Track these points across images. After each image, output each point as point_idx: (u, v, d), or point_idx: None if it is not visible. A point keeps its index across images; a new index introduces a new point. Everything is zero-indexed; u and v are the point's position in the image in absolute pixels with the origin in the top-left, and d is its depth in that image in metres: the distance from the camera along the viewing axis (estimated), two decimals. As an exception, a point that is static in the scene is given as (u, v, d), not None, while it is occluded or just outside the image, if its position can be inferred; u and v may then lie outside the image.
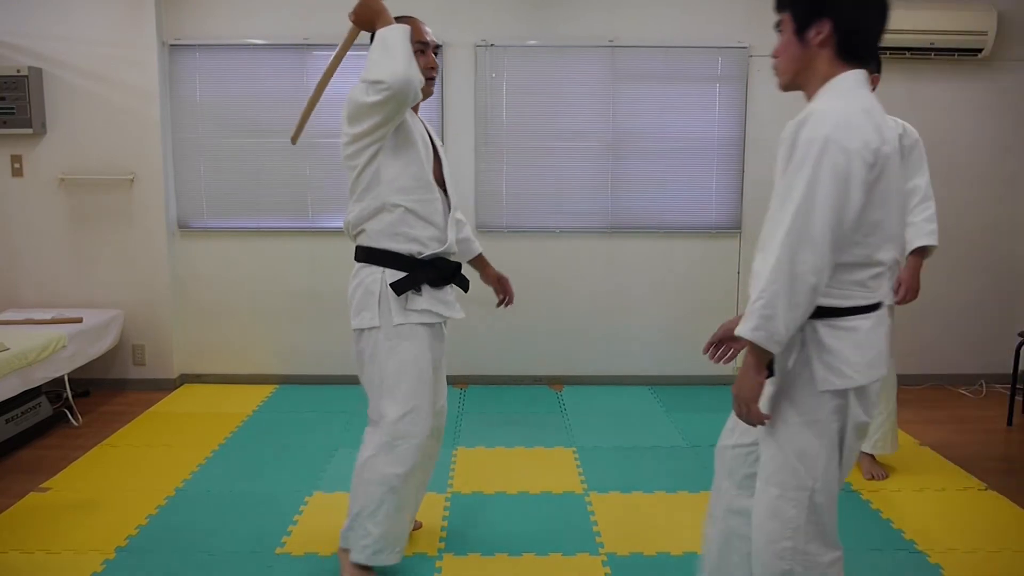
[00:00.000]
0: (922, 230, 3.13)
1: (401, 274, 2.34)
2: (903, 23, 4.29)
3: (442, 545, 2.76)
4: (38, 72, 4.33)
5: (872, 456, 3.39)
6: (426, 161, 2.38)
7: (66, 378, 3.98)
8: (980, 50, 4.38)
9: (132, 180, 4.46)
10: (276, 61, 4.51)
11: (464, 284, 2.53)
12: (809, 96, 1.71)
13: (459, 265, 2.51)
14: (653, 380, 4.72)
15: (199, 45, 4.48)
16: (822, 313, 1.65)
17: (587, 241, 4.66)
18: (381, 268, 2.35)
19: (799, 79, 1.72)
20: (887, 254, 1.68)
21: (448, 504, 3.07)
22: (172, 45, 4.47)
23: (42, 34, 4.34)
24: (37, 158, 4.44)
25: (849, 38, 1.65)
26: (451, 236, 2.44)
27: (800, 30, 1.68)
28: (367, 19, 2.26)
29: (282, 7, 4.46)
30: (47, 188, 4.46)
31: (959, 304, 4.66)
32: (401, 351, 2.35)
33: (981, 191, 4.59)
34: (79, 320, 4.12)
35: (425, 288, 2.37)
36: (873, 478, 3.34)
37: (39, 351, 3.67)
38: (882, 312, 1.73)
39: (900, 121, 3.17)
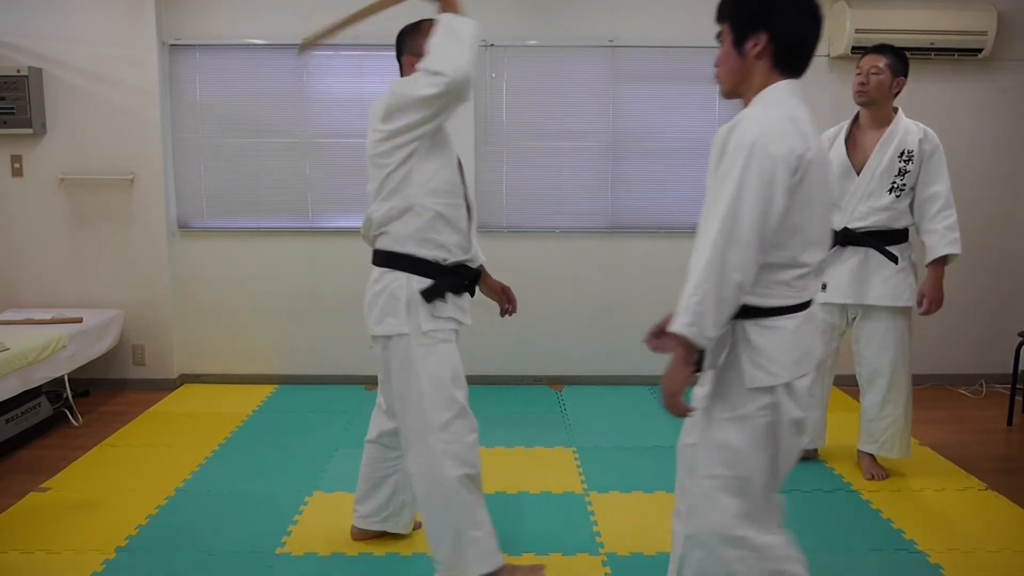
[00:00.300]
0: (944, 238, 3.11)
1: (428, 280, 2.28)
2: (903, 23, 4.29)
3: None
4: (38, 72, 4.33)
5: (872, 456, 3.38)
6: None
7: (66, 378, 3.97)
8: (980, 50, 4.38)
9: (132, 180, 4.46)
10: (276, 61, 4.51)
11: (473, 289, 2.51)
12: (746, 104, 1.77)
13: (479, 273, 2.47)
14: (653, 380, 4.68)
15: (199, 45, 4.48)
16: (750, 313, 1.72)
17: (587, 241, 4.66)
18: (406, 274, 2.28)
19: (738, 89, 1.79)
20: (812, 256, 1.74)
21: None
22: (172, 45, 4.47)
23: (42, 34, 4.34)
24: (37, 158, 4.44)
25: (785, 50, 1.72)
26: (475, 243, 2.43)
27: (738, 42, 1.74)
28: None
29: (282, 7, 4.46)
30: (47, 188, 4.46)
31: (959, 304, 4.66)
32: (436, 357, 2.29)
33: (981, 191, 4.59)
34: (79, 320, 4.12)
35: (448, 295, 2.32)
36: (873, 478, 3.33)
37: (39, 351, 3.67)
38: (810, 311, 1.79)
39: (921, 125, 3.16)
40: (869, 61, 3.13)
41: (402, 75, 2.42)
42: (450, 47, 2.12)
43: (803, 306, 1.76)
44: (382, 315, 2.31)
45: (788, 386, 1.74)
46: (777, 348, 1.72)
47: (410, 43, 2.38)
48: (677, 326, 1.67)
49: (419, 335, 2.27)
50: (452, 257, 2.32)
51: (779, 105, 1.70)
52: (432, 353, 2.29)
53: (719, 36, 1.80)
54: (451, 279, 2.32)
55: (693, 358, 1.71)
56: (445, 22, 2.14)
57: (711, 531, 1.78)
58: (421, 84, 2.13)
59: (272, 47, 4.49)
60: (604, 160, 4.60)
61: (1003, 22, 4.42)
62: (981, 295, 4.69)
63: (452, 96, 2.14)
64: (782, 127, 1.65)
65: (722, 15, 1.79)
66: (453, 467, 2.30)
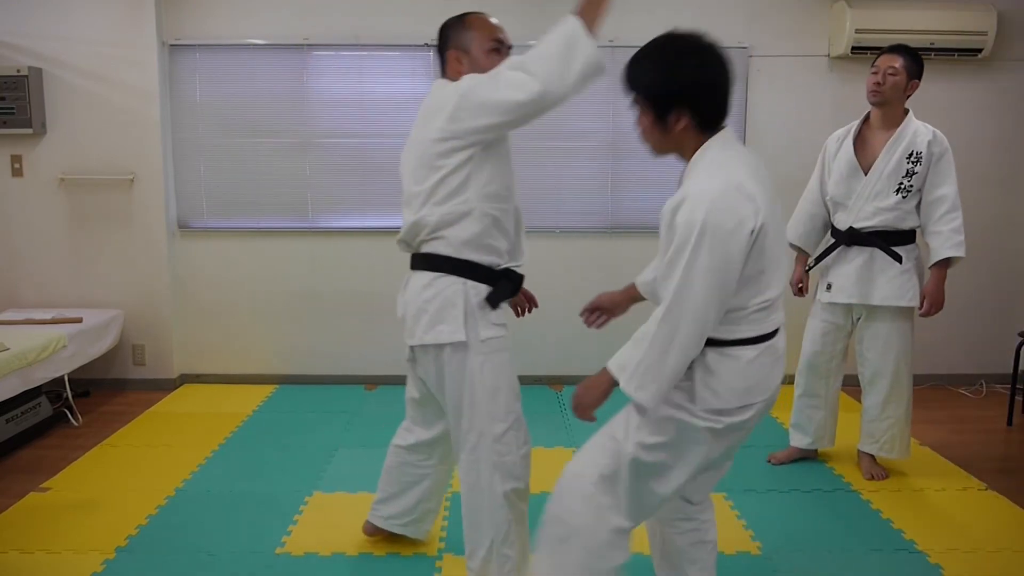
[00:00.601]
0: (949, 241, 3.09)
1: (485, 287, 2.19)
2: (903, 23, 4.29)
3: (442, 545, 2.76)
4: (38, 72, 4.33)
5: (872, 456, 3.38)
6: None
7: (66, 378, 3.98)
8: (980, 50, 4.38)
9: (132, 180, 4.46)
10: (276, 61, 4.51)
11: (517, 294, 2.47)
12: (686, 158, 1.80)
13: (523, 277, 2.40)
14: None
15: (199, 45, 4.48)
16: (710, 343, 1.76)
17: (587, 241, 4.66)
18: (462, 279, 2.17)
19: (670, 151, 1.83)
20: (773, 291, 1.78)
21: (448, 504, 3.06)
22: (172, 45, 4.47)
23: (42, 34, 4.34)
24: (37, 158, 4.44)
25: (708, 115, 1.76)
26: (525, 247, 2.41)
27: (659, 119, 1.77)
28: (591, 9, 1.99)
29: (282, 7, 4.46)
30: (47, 188, 4.46)
31: (959, 304, 4.65)
32: (493, 366, 2.21)
33: (981, 191, 4.59)
34: (79, 320, 4.12)
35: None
36: (873, 478, 3.34)
37: (39, 351, 3.67)
38: (771, 343, 1.81)
39: (930, 127, 3.15)
40: (886, 61, 3.11)
41: (444, 70, 2.30)
42: (561, 58, 1.94)
43: (763, 338, 1.79)
44: (433, 322, 2.18)
45: (731, 423, 1.79)
46: (731, 375, 1.76)
47: (454, 37, 2.26)
48: (627, 388, 1.74)
49: (477, 343, 2.18)
50: (503, 262, 2.25)
51: (721, 168, 1.71)
52: (489, 362, 2.20)
53: (634, 103, 1.81)
54: (507, 284, 2.24)
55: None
56: (570, 30, 1.95)
57: (577, 477, 1.90)
58: (511, 86, 1.97)
59: (272, 47, 4.49)
60: (604, 160, 4.60)
61: (1003, 22, 4.42)
62: (981, 295, 4.69)
63: (539, 108, 2.01)
64: (728, 199, 1.66)
65: (633, 87, 1.80)
66: (501, 482, 2.25)
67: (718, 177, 1.69)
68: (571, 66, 1.95)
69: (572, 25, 1.95)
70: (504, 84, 1.99)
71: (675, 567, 2.11)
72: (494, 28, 2.24)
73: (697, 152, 1.76)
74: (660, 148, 1.82)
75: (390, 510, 2.69)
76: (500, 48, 2.23)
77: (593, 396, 1.81)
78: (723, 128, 1.79)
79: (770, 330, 1.80)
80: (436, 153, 2.13)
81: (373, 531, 2.77)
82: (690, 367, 1.77)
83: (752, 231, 1.66)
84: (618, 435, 1.84)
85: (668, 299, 1.68)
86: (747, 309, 1.75)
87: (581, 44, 1.95)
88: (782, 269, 1.81)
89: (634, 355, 1.74)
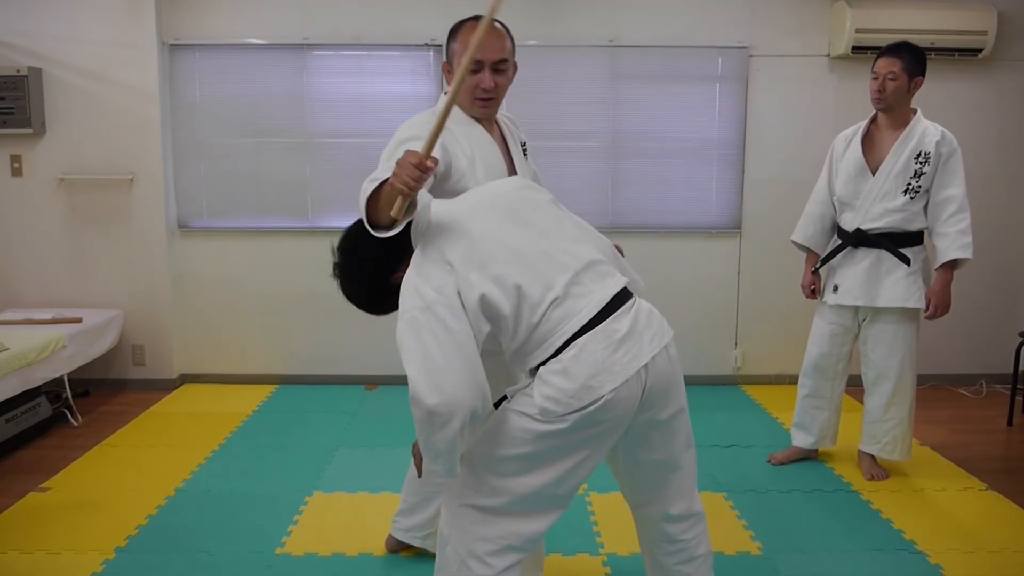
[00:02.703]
0: (956, 242, 3.07)
1: None
2: (903, 23, 4.29)
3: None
4: (38, 72, 4.33)
5: (872, 457, 3.37)
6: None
7: (66, 378, 3.97)
8: (980, 50, 4.38)
9: (132, 180, 4.46)
10: (276, 61, 4.50)
11: None
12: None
13: None
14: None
15: (199, 45, 4.48)
16: (539, 366, 1.73)
17: (587, 241, 4.65)
18: None
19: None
20: (555, 290, 1.71)
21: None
22: (172, 45, 4.47)
23: (42, 34, 4.34)
24: (37, 158, 4.43)
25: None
26: None
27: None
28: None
29: (282, 7, 4.46)
30: (47, 188, 4.46)
31: (959, 304, 4.62)
32: (492, 366, 2.17)
33: (981, 191, 4.57)
34: (79, 320, 4.12)
35: None
36: (873, 478, 3.33)
37: (39, 351, 3.66)
38: (597, 331, 1.70)
39: (939, 128, 3.12)
40: (884, 66, 3.08)
41: (445, 81, 2.27)
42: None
43: (582, 331, 1.70)
44: None
45: (592, 410, 1.70)
46: (560, 379, 1.68)
47: (448, 46, 2.21)
48: (425, 463, 1.76)
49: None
50: None
51: (420, 249, 1.75)
52: (489, 363, 2.18)
53: None
54: None
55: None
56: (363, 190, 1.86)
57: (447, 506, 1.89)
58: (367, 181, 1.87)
59: (272, 47, 4.49)
60: (604, 160, 4.59)
61: (1003, 22, 4.42)
62: (981, 295, 4.68)
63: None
64: (424, 271, 1.70)
65: None
66: None
67: (414, 262, 1.74)
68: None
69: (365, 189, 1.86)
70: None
71: None
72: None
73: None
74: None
75: (409, 522, 2.63)
76: (478, 69, 2.12)
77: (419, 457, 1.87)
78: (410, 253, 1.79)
79: (586, 320, 1.70)
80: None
81: (396, 546, 2.70)
82: (532, 385, 1.73)
83: (456, 290, 1.67)
84: (475, 449, 1.80)
85: (411, 386, 1.64)
86: (541, 322, 1.70)
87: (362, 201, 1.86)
88: (552, 264, 1.74)
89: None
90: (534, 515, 1.78)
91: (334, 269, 1.94)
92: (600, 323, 1.71)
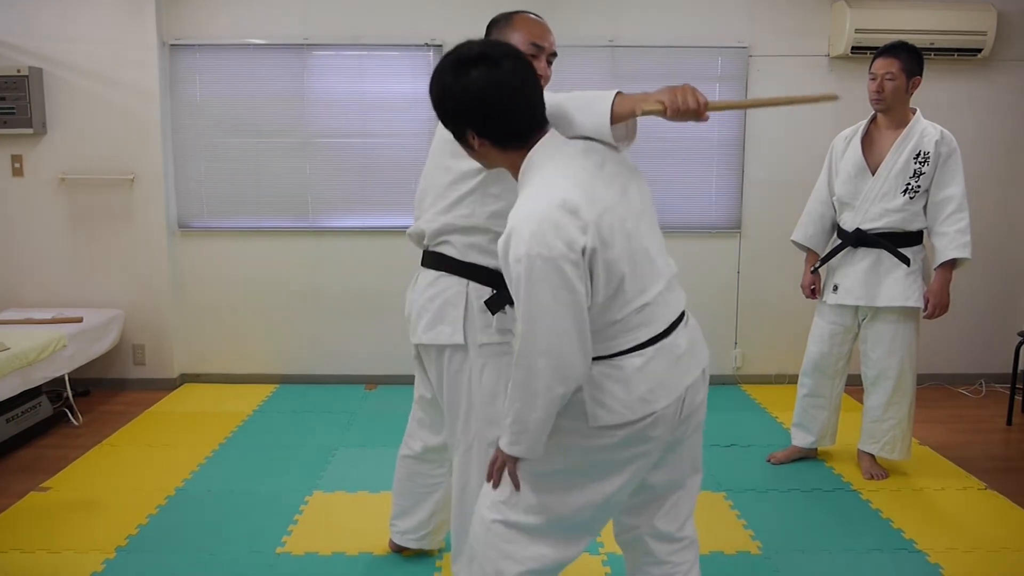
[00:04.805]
0: (955, 241, 3.06)
1: (488, 289, 2.13)
2: (903, 23, 4.29)
3: (442, 544, 2.76)
4: (38, 72, 4.33)
5: (872, 456, 3.38)
6: None
7: (66, 378, 3.98)
8: (980, 50, 4.38)
9: (132, 180, 4.46)
10: (276, 61, 4.50)
11: None
12: (514, 175, 1.69)
13: None
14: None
15: (199, 45, 4.48)
16: (595, 359, 1.64)
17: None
18: (465, 280, 2.13)
19: (497, 166, 1.72)
20: (648, 293, 1.65)
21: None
22: (172, 45, 4.47)
23: (42, 34, 4.34)
24: (37, 158, 4.44)
25: (499, 134, 1.63)
26: None
27: (460, 139, 1.68)
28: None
29: (282, 7, 4.46)
30: (47, 188, 4.46)
31: (959, 304, 4.63)
32: (491, 370, 2.15)
33: (980, 191, 4.58)
34: (79, 320, 4.13)
35: (507, 307, 2.15)
36: (873, 478, 3.33)
37: (39, 351, 3.67)
38: (663, 343, 1.67)
39: (938, 127, 3.12)
40: (882, 67, 3.07)
41: None
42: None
43: (651, 341, 1.65)
44: (434, 322, 2.15)
45: (643, 426, 1.65)
46: (619, 388, 1.63)
47: (497, 35, 2.14)
48: (504, 445, 1.66)
49: (475, 347, 2.13)
50: None
51: (542, 186, 1.58)
52: (490, 365, 2.14)
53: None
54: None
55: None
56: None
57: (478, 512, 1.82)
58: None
59: (272, 47, 4.49)
60: (604, 160, 4.59)
61: (1003, 22, 4.42)
62: (981, 295, 4.69)
63: None
64: (549, 224, 1.51)
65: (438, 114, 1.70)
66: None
67: (542, 192, 1.57)
68: (581, 108, 1.78)
69: (608, 93, 1.74)
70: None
71: None
72: (535, 31, 2.06)
73: (522, 169, 1.65)
74: (485, 165, 1.73)
75: (405, 525, 2.63)
76: (538, 54, 2.06)
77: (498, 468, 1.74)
78: (546, 133, 1.65)
79: (657, 332, 1.66)
80: (446, 183, 2.13)
81: (397, 548, 2.71)
82: (581, 390, 1.65)
83: (584, 249, 1.53)
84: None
85: (520, 342, 1.57)
86: (620, 321, 1.62)
87: (601, 105, 1.73)
88: (651, 267, 1.68)
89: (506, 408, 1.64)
90: (567, 540, 1.74)
91: (452, 59, 1.63)
92: (666, 337, 1.68)
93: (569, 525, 1.72)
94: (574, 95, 1.72)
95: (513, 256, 1.53)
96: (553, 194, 1.55)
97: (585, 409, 1.64)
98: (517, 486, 1.71)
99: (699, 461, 1.87)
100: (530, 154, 1.63)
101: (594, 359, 1.63)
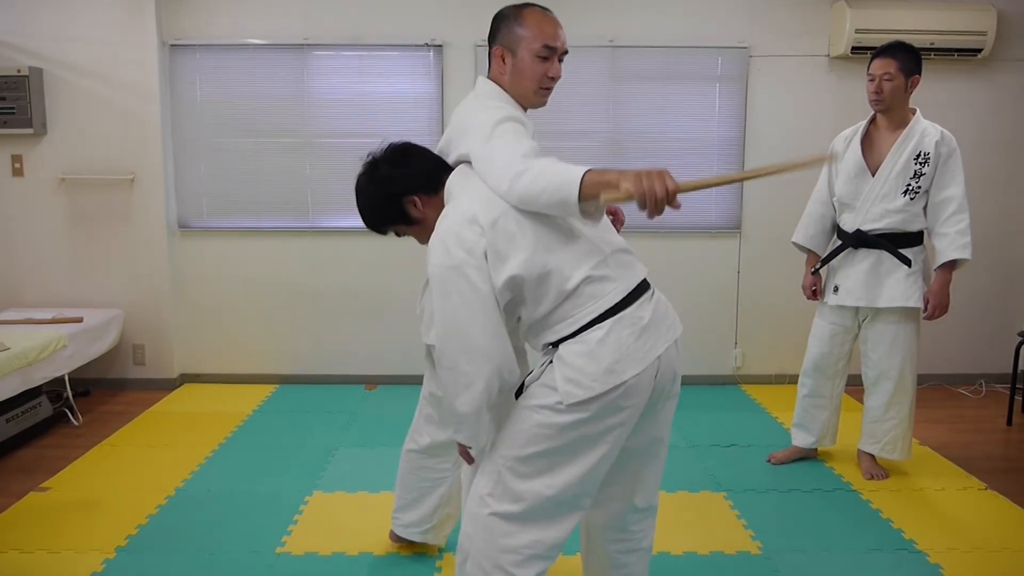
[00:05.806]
0: (955, 242, 3.06)
1: None
2: (903, 23, 4.29)
3: (443, 544, 2.76)
4: (38, 72, 4.33)
5: (872, 456, 3.38)
6: None
7: (66, 378, 3.98)
8: (980, 50, 4.38)
9: (132, 180, 4.46)
10: (276, 61, 4.51)
11: None
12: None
13: None
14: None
15: (199, 45, 4.48)
16: (556, 342, 1.75)
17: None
18: None
19: (434, 221, 1.84)
20: (584, 268, 1.72)
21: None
22: (172, 45, 4.47)
23: (42, 34, 4.34)
24: (37, 158, 4.44)
25: (428, 179, 1.89)
26: None
27: (402, 220, 1.93)
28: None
29: (282, 7, 4.46)
30: (47, 188, 4.46)
31: (959, 304, 4.63)
32: None
33: (980, 191, 4.58)
34: (79, 320, 4.12)
35: None
36: (873, 478, 3.33)
37: (39, 351, 3.67)
38: (624, 314, 1.72)
39: (938, 128, 3.12)
40: (880, 67, 3.07)
41: (489, 69, 2.07)
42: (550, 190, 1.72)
43: (609, 312, 1.71)
44: None
45: (614, 397, 1.69)
46: (585, 361, 1.69)
47: (504, 31, 2.00)
48: (451, 431, 1.81)
49: None
50: None
51: (453, 206, 1.79)
52: None
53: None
54: None
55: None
56: (572, 178, 1.67)
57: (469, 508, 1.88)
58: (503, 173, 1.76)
59: (272, 47, 4.49)
60: (605, 160, 4.59)
61: (1003, 22, 4.42)
62: (981, 295, 4.69)
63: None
64: (454, 234, 1.71)
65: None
66: None
67: (446, 219, 1.76)
68: (547, 197, 1.69)
69: (574, 175, 1.67)
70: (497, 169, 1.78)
71: (601, 571, 2.02)
72: (548, 30, 1.95)
73: (444, 199, 1.87)
74: (427, 234, 1.85)
75: (409, 518, 2.64)
76: (550, 56, 1.97)
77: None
78: (451, 171, 1.88)
79: (612, 303, 1.72)
80: None
81: (397, 539, 2.72)
82: (550, 364, 1.73)
83: (484, 252, 1.69)
84: (494, 454, 1.80)
85: (437, 345, 1.73)
86: (570, 298, 1.71)
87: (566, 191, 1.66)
88: (583, 244, 1.74)
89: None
90: (556, 520, 1.78)
91: (365, 166, 1.94)
92: (625, 308, 1.73)
93: (556, 504, 1.77)
94: (541, 172, 1.69)
95: (429, 269, 1.74)
96: (458, 211, 1.75)
97: (557, 388, 1.70)
98: (469, 462, 1.88)
99: (667, 433, 1.93)
100: (447, 185, 1.87)
101: (561, 339, 1.73)
